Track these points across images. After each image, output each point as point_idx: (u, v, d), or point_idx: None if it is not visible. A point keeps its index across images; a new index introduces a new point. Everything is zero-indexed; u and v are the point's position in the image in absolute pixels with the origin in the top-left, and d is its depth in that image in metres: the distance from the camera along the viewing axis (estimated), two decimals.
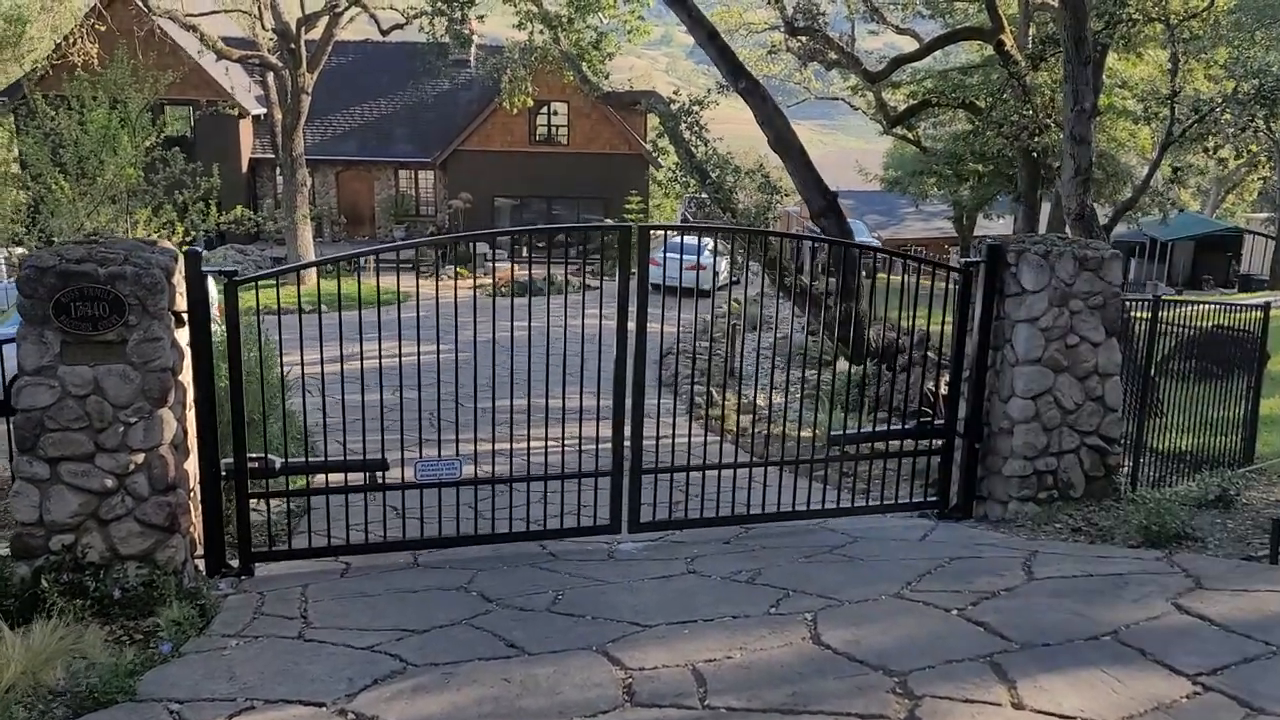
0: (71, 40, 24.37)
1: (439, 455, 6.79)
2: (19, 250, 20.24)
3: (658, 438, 7.10)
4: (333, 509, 6.85)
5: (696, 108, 17.90)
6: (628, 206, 31.78)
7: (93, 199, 13.58)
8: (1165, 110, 19.55)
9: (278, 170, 30.97)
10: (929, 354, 10.02)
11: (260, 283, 6.87)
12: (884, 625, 4.77)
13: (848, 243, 11.18)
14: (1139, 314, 8.87)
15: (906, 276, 7.90)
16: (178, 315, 5.95)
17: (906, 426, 7.77)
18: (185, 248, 6.10)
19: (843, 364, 13.20)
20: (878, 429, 7.95)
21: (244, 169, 34.75)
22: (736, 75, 16.66)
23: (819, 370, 13.59)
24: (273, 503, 7.16)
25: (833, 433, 7.55)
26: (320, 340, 6.41)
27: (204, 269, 6.09)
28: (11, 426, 5.64)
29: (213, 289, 7.25)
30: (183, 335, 6.01)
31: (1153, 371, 8.70)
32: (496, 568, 6.30)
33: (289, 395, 9.66)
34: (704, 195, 17.97)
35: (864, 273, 13.60)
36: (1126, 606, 4.88)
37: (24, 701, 4.23)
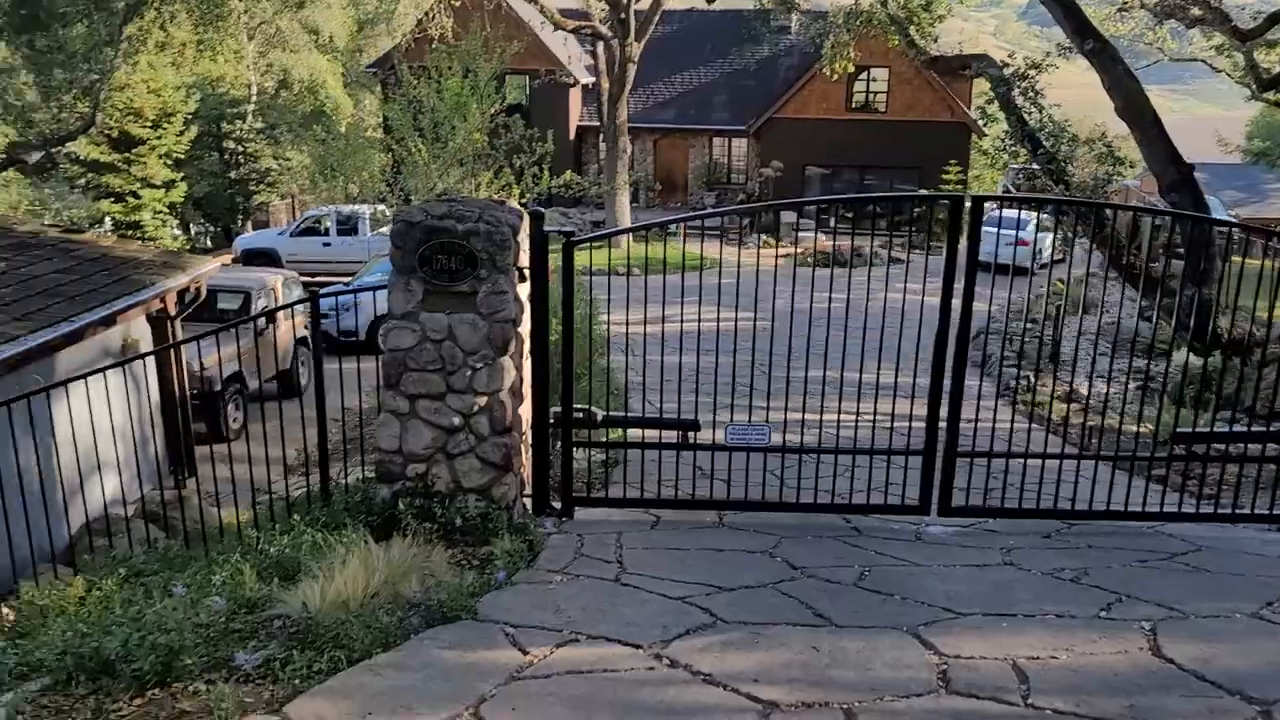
0: (430, 15, 26.77)
1: (749, 420, 6.88)
2: (379, 207, 22.66)
3: (976, 421, 6.77)
4: (641, 464, 7.13)
5: (1033, 71, 16.69)
6: (945, 177, 30.43)
7: (444, 161, 14.90)
8: None
9: (601, 137, 32.48)
10: None
11: (582, 245, 7.22)
12: (1240, 646, 4.29)
13: (1210, 219, 10.03)
14: None
15: (1273, 260, 6.98)
16: (520, 271, 6.40)
17: (1270, 429, 6.88)
18: (530, 208, 6.53)
19: (1182, 354, 11.91)
20: (1232, 429, 7.13)
21: (571, 136, 36.73)
22: (1083, 35, 15.34)
23: (1167, 362, 12.35)
24: (589, 452, 7.59)
25: (1178, 429, 6.85)
26: (628, 301, 6.65)
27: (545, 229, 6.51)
28: (379, 364, 6.34)
29: None
30: (523, 290, 6.46)
31: None
32: (800, 536, 6.30)
33: (602, 353, 10.18)
34: (1034, 166, 16.79)
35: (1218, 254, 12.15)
36: None
37: (385, 608, 4.77)
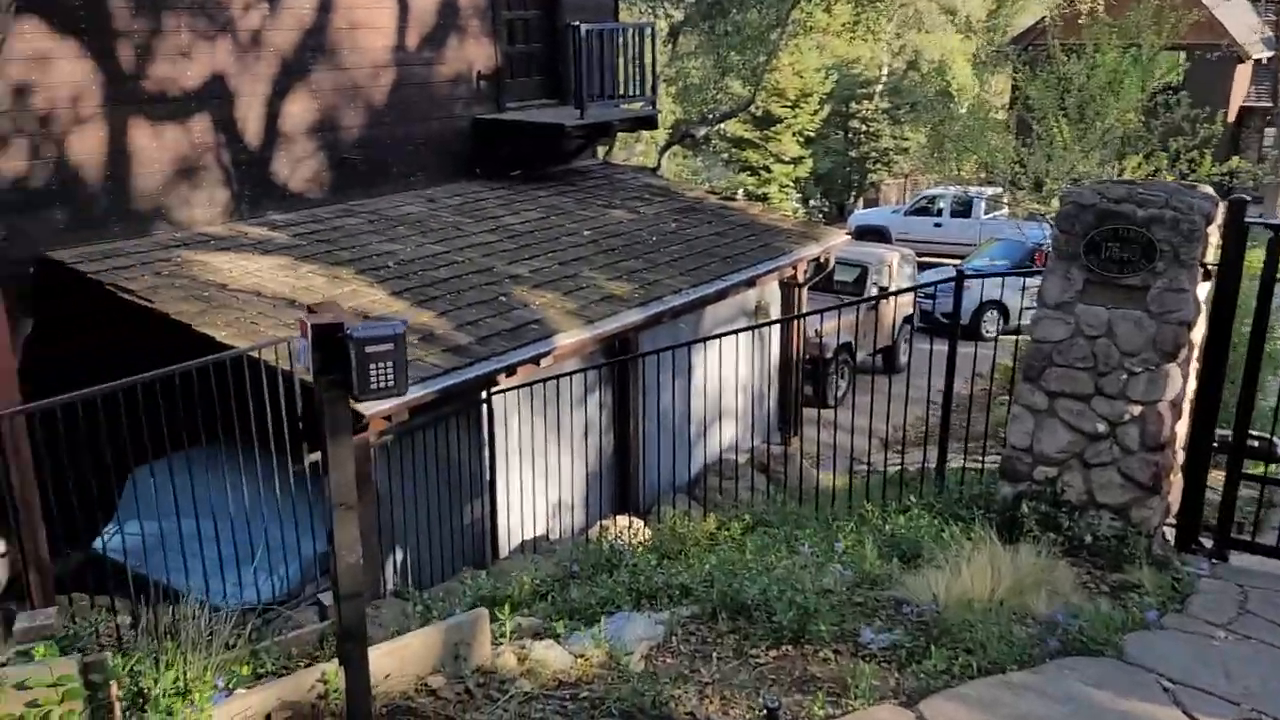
0: None
1: None
2: (995, 190, 21.79)
3: None
4: None
5: None
6: None
7: (1088, 143, 13.72)
8: None
9: (1267, 119, 27.75)
10: None
11: None
12: None
13: None
14: None
15: None
16: (1205, 268, 5.51)
17: None
18: (1232, 196, 5.56)
19: None
20: None
21: (1231, 118, 31.85)
22: None
23: None
24: (1264, 490, 6.37)
25: None
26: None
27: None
28: (976, 350, 5.88)
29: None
30: (1203, 289, 5.55)
31: None
32: None
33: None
34: None
35: None
36: None
37: (1013, 619, 4.38)
